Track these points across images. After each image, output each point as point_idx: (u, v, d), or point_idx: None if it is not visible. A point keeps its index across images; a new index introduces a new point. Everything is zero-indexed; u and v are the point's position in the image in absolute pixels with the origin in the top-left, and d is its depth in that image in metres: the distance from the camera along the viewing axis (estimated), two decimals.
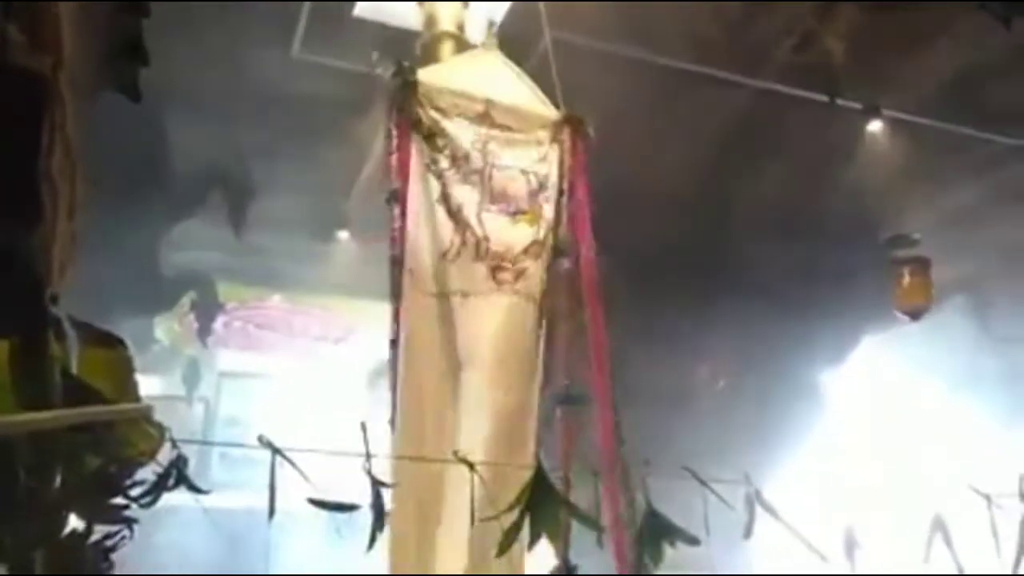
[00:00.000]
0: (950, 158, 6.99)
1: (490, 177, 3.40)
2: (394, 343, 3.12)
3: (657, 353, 6.36)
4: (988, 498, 2.79)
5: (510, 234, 3.39)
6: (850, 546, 3.02)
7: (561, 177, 3.60)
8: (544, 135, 3.64)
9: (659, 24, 5.66)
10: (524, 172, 3.51)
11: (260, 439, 2.20)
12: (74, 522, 1.94)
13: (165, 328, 9.26)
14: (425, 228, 3.27)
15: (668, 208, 6.68)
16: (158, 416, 2.07)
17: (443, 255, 3.29)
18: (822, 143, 6.74)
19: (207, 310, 8.81)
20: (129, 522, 1.96)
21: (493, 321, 3.32)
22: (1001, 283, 8.74)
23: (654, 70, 5.99)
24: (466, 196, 3.36)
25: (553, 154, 3.62)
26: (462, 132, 3.41)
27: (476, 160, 3.39)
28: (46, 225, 1.71)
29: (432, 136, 3.35)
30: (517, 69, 3.79)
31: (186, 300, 8.75)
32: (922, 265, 7.25)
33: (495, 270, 3.34)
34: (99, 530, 1.92)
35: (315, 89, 6.14)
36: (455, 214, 3.32)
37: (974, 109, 6.44)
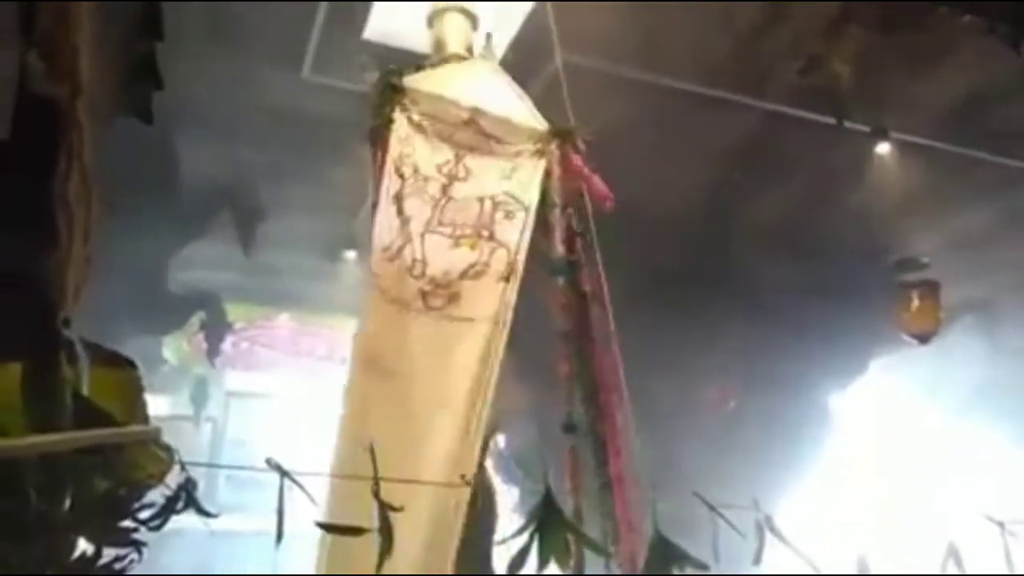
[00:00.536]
0: (958, 180, 6.98)
1: (444, 205, 3.48)
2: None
3: (664, 376, 6.34)
4: (1002, 525, 2.76)
5: (447, 257, 3.44)
6: (861, 570, 2.99)
7: (545, 190, 3.64)
8: (527, 148, 3.68)
9: (666, 46, 5.69)
10: (480, 199, 3.54)
11: (268, 462, 2.19)
12: (83, 545, 1.94)
13: (174, 348, 9.29)
14: (379, 217, 3.42)
15: (675, 229, 6.68)
16: (166, 437, 2.07)
17: (384, 250, 3.38)
18: (830, 165, 6.74)
19: (216, 330, 8.83)
20: (138, 545, 1.95)
21: (422, 339, 3.31)
22: (1011, 305, 8.70)
23: (661, 92, 6.01)
24: (416, 211, 3.45)
25: (533, 169, 3.66)
26: (432, 153, 3.52)
27: (433, 186, 3.48)
28: (61, 249, 1.72)
29: (408, 141, 3.49)
30: (509, 79, 3.83)
31: (195, 320, 8.77)
32: (931, 288, 7.21)
33: (425, 294, 3.36)
34: (108, 553, 1.92)
35: (324, 110, 6.18)
36: (404, 219, 3.42)
37: (982, 132, 6.44)
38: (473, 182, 3.56)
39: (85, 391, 2.05)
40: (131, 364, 2.25)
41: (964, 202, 7.27)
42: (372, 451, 2.43)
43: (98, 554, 1.89)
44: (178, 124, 6.16)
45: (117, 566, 1.90)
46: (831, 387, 8.11)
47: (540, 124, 3.77)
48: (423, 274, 3.38)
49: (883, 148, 6.51)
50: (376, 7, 5.14)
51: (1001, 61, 5.28)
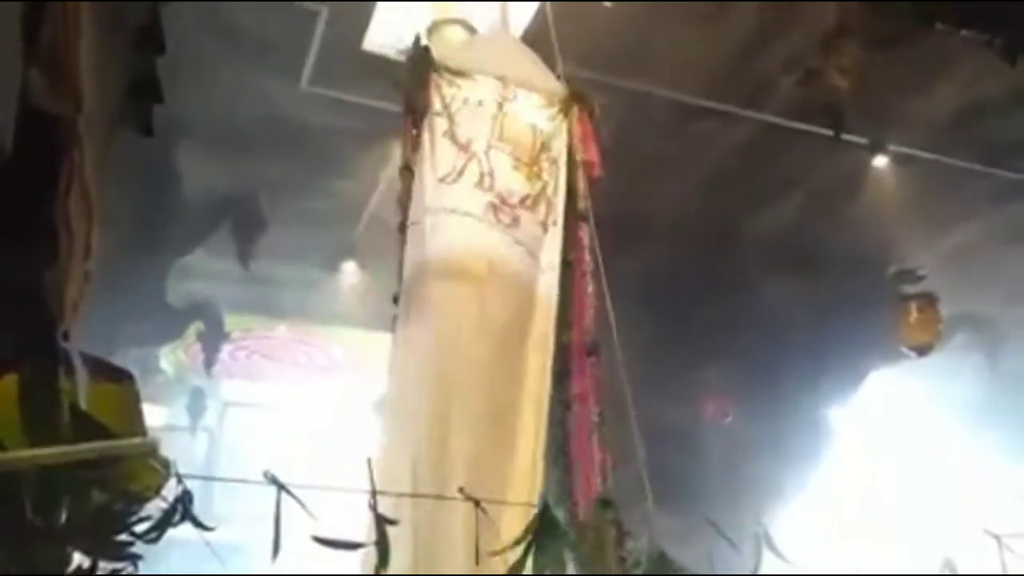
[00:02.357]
0: (956, 193, 7.00)
1: (502, 121, 3.64)
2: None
3: (661, 389, 6.33)
4: (999, 539, 2.76)
5: (511, 178, 3.57)
6: None
7: (570, 147, 3.81)
8: (556, 102, 3.87)
9: (665, 57, 5.71)
10: (533, 126, 3.72)
11: (265, 475, 2.18)
12: (79, 558, 1.93)
13: (171, 358, 9.26)
14: (427, 161, 3.49)
15: (673, 242, 6.69)
16: (162, 447, 2.07)
17: (441, 180, 3.47)
18: (828, 178, 6.76)
19: (213, 340, 8.80)
20: (134, 558, 1.95)
21: (488, 249, 3.41)
22: (1009, 318, 8.70)
23: (660, 103, 6.03)
24: (476, 132, 3.58)
25: (561, 122, 3.84)
26: (480, 84, 3.69)
27: (490, 105, 3.65)
28: (61, 264, 1.72)
29: (450, 84, 3.62)
30: (527, 48, 3.91)
31: (192, 330, 8.75)
32: (929, 301, 7.21)
33: (495, 207, 3.47)
34: (104, 566, 1.91)
35: (323, 121, 6.20)
36: (462, 145, 3.53)
37: (980, 145, 6.47)
38: (522, 104, 3.73)
39: (83, 404, 2.04)
40: (130, 378, 2.24)
41: (961, 215, 7.29)
42: (369, 464, 2.43)
43: (94, 567, 1.88)
44: (178, 136, 6.18)
45: None
46: (830, 400, 8.11)
47: (561, 88, 3.96)
48: (491, 188, 3.50)
49: (880, 161, 6.53)
50: (375, 19, 5.16)
51: (998, 75, 5.30)
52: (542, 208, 3.62)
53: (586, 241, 3.68)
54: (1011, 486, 8.98)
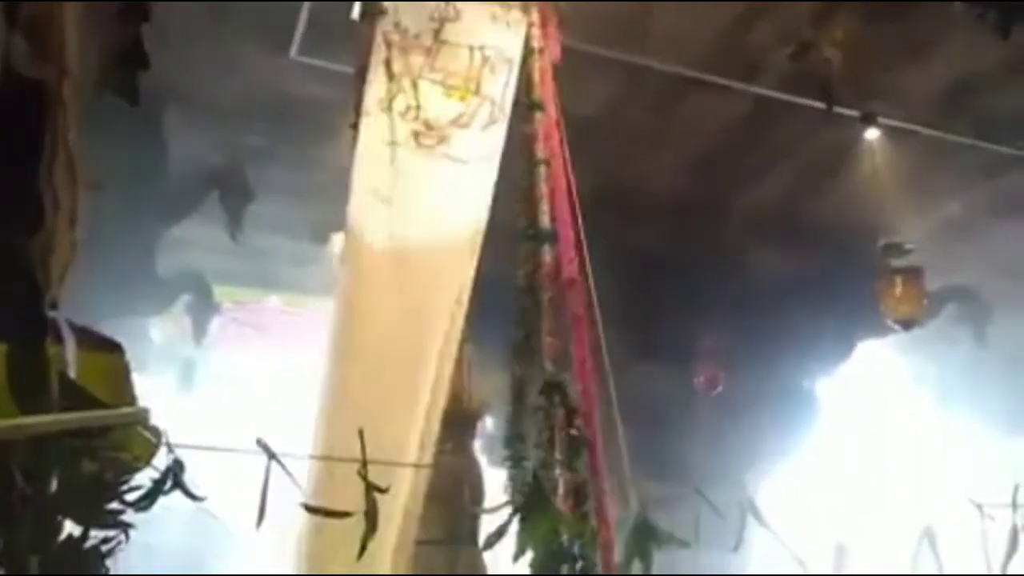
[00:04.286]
0: (947, 167, 7.01)
1: (436, 51, 3.74)
2: None
3: (651, 361, 6.37)
4: (980, 508, 2.80)
5: (439, 104, 3.70)
6: (840, 556, 3.04)
7: (527, 48, 3.88)
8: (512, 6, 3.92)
9: (657, 29, 5.68)
10: (470, 48, 3.81)
11: (258, 442, 2.19)
12: (70, 527, 1.94)
13: (160, 329, 9.24)
14: (371, 86, 3.67)
15: (662, 213, 6.69)
16: (153, 419, 2.07)
17: (378, 102, 3.64)
18: (818, 151, 6.76)
19: (202, 311, 8.78)
20: (125, 527, 1.96)
21: (416, 172, 3.57)
22: (998, 292, 8.76)
23: (651, 75, 6.00)
24: (406, 66, 3.71)
25: (517, 24, 3.91)
26: (421, 8, 3.78)
27: (426, 37, 3.75)
28: (47, 232, 1.71)
29: (396, 14, 3.76)
30: None
31: (181, 301, 8.73)
32: (915, 275, 7.24)
33: (417, 134, 3.63)
34: (95, 535, 1.92)
35: (313, 91, 6.14)
36: (395, 77, 3.68)
37: (972, 118, 6.47)
38: (464, 26, 3.81)
39: (72, 374, 2.04)
40: (119, 348, 2.24)
41: (951, 188, 7.30)
42: (361, 435, 2.44)
43: (85, 536, 1.89)
44: (165, 105, 6.12)
45: (104, 548, 1.90)
46: (817, 372, 8.17)
47: None
48: (416, 118, 3.66)
49: (872, 134, 6.52)
50: None
51: (990, 48, 5.29)
52: (482, 113, 3.72)
53: (543, 130, 3.75)
54: (995, 457, 9.10)
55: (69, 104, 1.69)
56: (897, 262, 7.21)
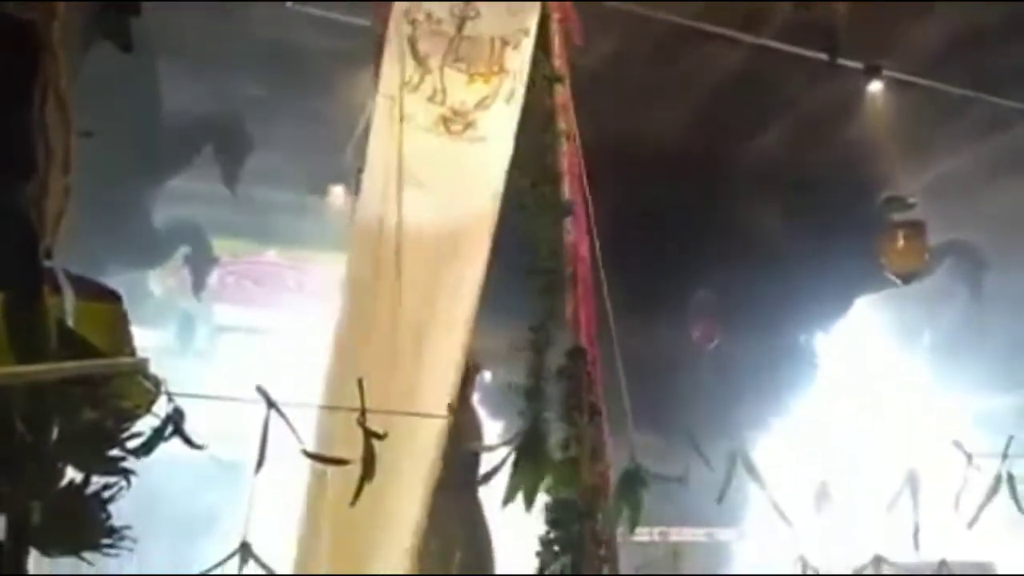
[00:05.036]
0: (950, 120, 6.95)
1: (459, 44, 3.81)
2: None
3: (648, 313, 6.38)
4: (969, 457, 2.84)
5: (465, 91, 3.77)
6: (820, 499, 3.10)
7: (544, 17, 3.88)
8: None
9: None
10: (492, 39, 3.85)
11: (258, 389, 2.22)
12: (72, 473, 1.97)
13: (159, 282, 9.25)
14: (396, 63, 3.77)
15: (662, 167, 6.64)
16: (152, 369, 2.09)
17: (404, 83, 3.74)
18: (821, 103, 6.69)
19: (201, 264, 8.78)
20: (126, 473, 1.98)
21: (445, 157, 3.66)
22: (997, 247, 8.74)
23: (653, 26, 5.92)
24: (433, 48, 3.80)
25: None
26: (441, 3, 3.84)
27: (447, 25, 3.83)
28: (40, 178, 1.70)
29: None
30: None
31: (180, 254, 8.72)
32: (917, 228, 7.22)
33: (446, 120, 3.72)
34: (97, 481, 1.95)
35: (312, 43, 6.06)
36: (420, 59, 3.77)
37: (976, 72, 6.39)
38: (484, 21, 3.86)
39: (70, 323, 2.05)
40: (117, 298, 2.25)
41: (954, 142, 7.25)
42: (360, 385, 2.47)
43: (86, 482, 1.92)
44: (160, 55, 6.04)
45: (106, 493, 1.93)
46: (815, 325, 8.19)
47: None
48: (443, 103, 3.73)
49: (875, 87, 6.45)
50: None
51: (996, 2, 5.21)
52: (504, 88, 3.74)
53: (562, 102, 3.77)
54: (987, 410, 9.18)
55: (58, 47, 1.66)
56: (899, 216, 7.19)
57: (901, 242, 7.12)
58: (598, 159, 3.77)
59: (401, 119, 3.68)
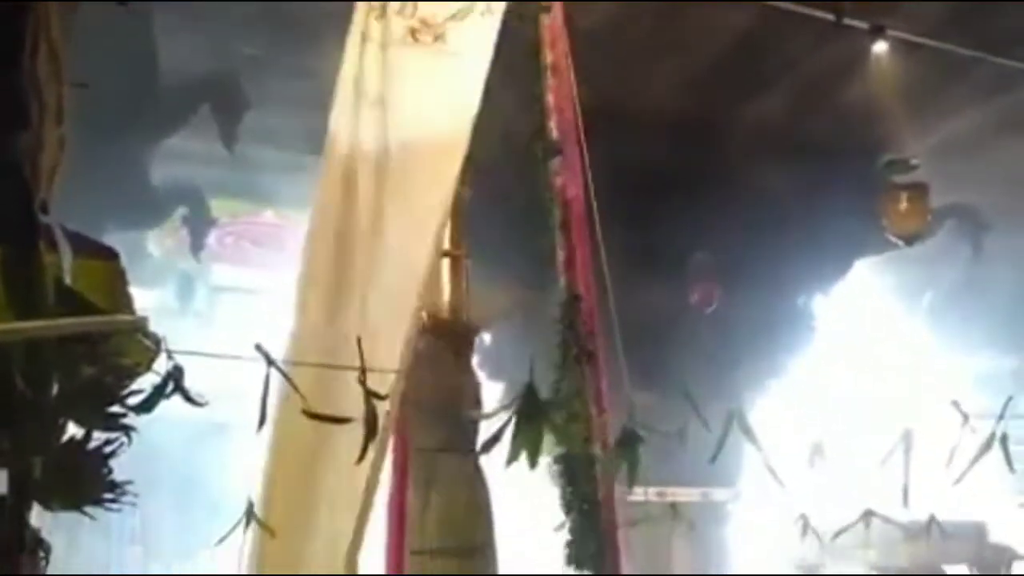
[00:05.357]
0: (955, 82, 6.88)
1: None
2: None
3: (646, 274, 6.37)
4: (966, 417, 2.85)
5: (436, 3, 3.55)
6: (815, 456, 3.12)
7: None
8: None
9: None
10: None
11: (257, 347, 2.21)
12: (73, 430, 1.98)
13: (157, 242, 9.24)
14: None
15: (663, 126, 6.58)
16: (152, 329, 2.08)
17: (370, 10, 3.55)
18: (826, 63, 6.61)
19: (199, 224, 8.76)
20: (127, 430, 2.00)
21: (412, 70, 3.45)
22: (999, 210, 8.73)
23: None
24: None
25: None
26: None
27: None
28: (33, 130, 1.68)
29: None
30: None
31: (178, 214, 8.69)
32: (920, 190, 7.19)
33: (414, 31, 3.52)
34: (98, 437, 1.96)
35: None
36: None
37: (982, 33, 6.31)
38: None
39: (68, 281, 2.04)
40: (114, 255, 2.24)
41: (959, 104, 7.19)
42: (359, 342, 2.47)
43: (87, 438, 1.93)
44: (156, 11, 5.95)
45: (107, 449, 1.95)
46: (814, 288, 8.19)
47: None
48: (412, 14, 3.54)
49: (880, 47, 6.37)
50: None
51: None
52: (480, 3, 3.54)
53: (550, 35, 3.62)
54: (985, 372, 9.25)
55: None
56: (902, 177, 7.16)
57: (904, 204, 7.09)
58: (595, 118, 3.72)
59: (367, 34, 3.53)
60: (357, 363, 2.25)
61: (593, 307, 3.37)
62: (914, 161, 7.18)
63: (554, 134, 3.57)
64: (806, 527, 3.66)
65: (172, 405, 2.16)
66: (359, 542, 2.82)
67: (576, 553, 3.18)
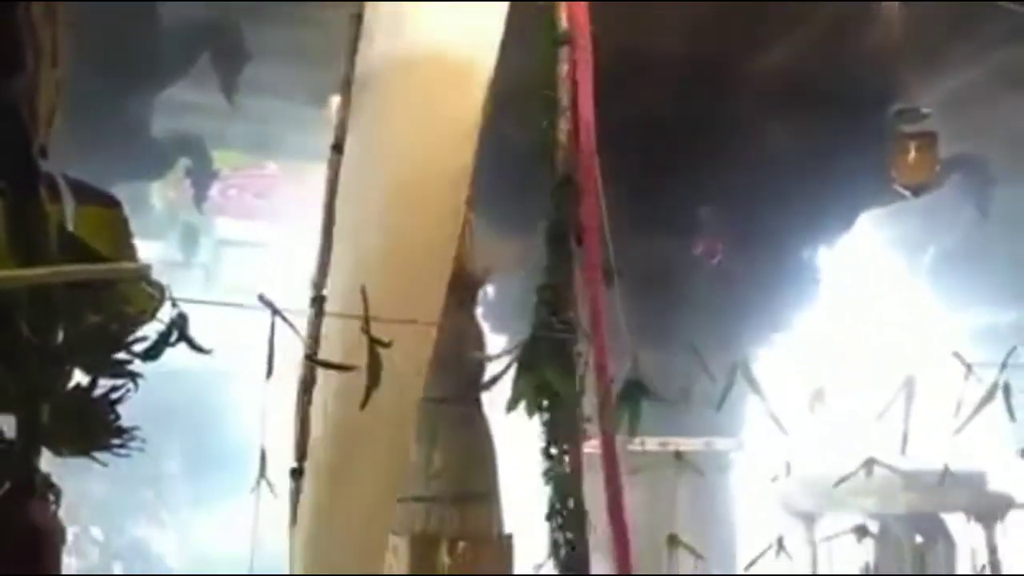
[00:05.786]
0: (966, 32, 6.76)
1: None
2: None
3: (649, 227, 6.34)
4: (969, 367, 2.86)
5: None
6: (816, 402, 3.14)
7: None
8: None
9: None
10: None
11: (260, 298, 2.22)
12: (80, 377, 1.99)
13: (161, 194, 9.23)
14: None
15: (667, 75, 6.49)
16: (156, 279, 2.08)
17: None
18: (833, 10, 6.50)
19: (202, 176, 8.73)
20: (133, 376, 2.01)
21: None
22: (1008, 162, 8.64)
23: None
24: None
25: None
26: None
27: None
28: (28, 73, 1.66)
29: None
30: None
31: (180, 166, 8.66)
32: (929, 140, 7.11)
33: None
34: (104, 384, 1.97)
35: None
36: None
37: None
38: None
39: (71, 229, 2.04)
40: (117, 203, 2.23)
41: (969, 55, 7.07)
42: (363, 291, 2.47)
43: (93, 384, 1.95)
44: None
45: (113, 396, 1.96)
46: (819, 241, 8.16)
47: None
48: None
49: None
50: None
51: None
52: None
53: None
54: (987, 325, 9.26)
55: None
56: (912, 127, 7.07)
57: (912, 154, 7.00)
58: (598, 66, 3.66)
59: None
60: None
61: (599, 262, 3.32)
62: (925, 110, 7.08)
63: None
64: (789, 471, 3.71)
65: (182, 357, 2.17)
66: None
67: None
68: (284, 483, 2.89)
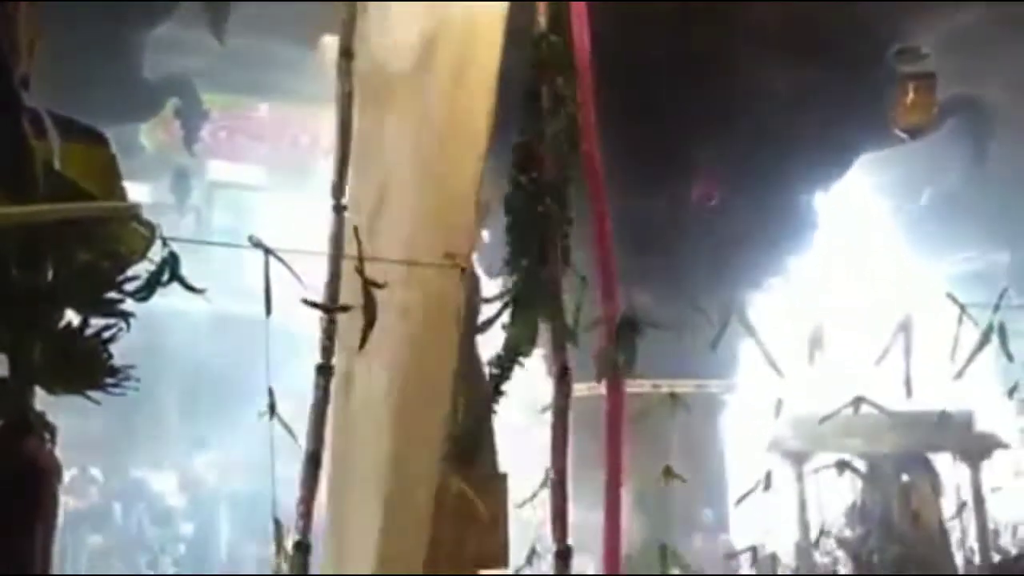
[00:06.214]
0: None
1: None
2: None
3: (647, 169, 6.29)
4: (963, 308, 2.87)
5: None
6: (814, 345, 3.16)
7: None
8: None
9: None
10: None
11: (250, 239, 2.20)
12: (70, 315, 1.98)
13: (151, 136, 9.10)
14: None
15: (666, 18, 6.37)
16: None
17: None
18: None
19: (191, 117, 8.60)
20: (125, 316, 1.99)
21: None
22: (1006, 104, 8.56)
23: None
24: None
25: None
26: None
27: None
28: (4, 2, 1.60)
29: None
30: None
31: (170, 106, 8.52)
32: (928, 81, 7.02)
33: None
34: (95, 323, 1.95)
35: None
36: None
37: None
38: None
39: (58, 167, 2.00)
40: (103, 139, 2.18)
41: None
42: (356, 232, 2.46)
43: (85, 323, 1.93)
44: None
45: (105, 334, 1.95)
46: (815, 185, 8.12)
47: None
48: None
49: None
50: None
51: None
52: None
53: None
54: (981, 267, 9.29)
55: None
56: (911, 68, 6.97)
57: (911, 95, 6.92)
58: (593, 11, 3.58)
59: None
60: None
61: (603, 189, 3.28)
62: (924, 50, 6.97)
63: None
64: (779, 410, 3.74)
65: (178, 298, 2.15)
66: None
67: None
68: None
